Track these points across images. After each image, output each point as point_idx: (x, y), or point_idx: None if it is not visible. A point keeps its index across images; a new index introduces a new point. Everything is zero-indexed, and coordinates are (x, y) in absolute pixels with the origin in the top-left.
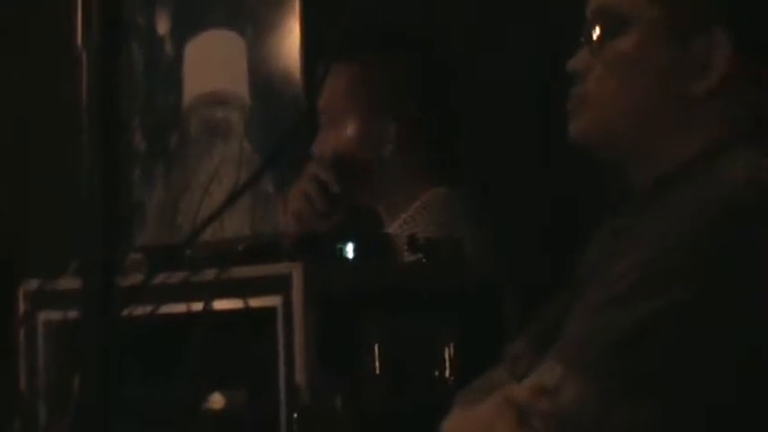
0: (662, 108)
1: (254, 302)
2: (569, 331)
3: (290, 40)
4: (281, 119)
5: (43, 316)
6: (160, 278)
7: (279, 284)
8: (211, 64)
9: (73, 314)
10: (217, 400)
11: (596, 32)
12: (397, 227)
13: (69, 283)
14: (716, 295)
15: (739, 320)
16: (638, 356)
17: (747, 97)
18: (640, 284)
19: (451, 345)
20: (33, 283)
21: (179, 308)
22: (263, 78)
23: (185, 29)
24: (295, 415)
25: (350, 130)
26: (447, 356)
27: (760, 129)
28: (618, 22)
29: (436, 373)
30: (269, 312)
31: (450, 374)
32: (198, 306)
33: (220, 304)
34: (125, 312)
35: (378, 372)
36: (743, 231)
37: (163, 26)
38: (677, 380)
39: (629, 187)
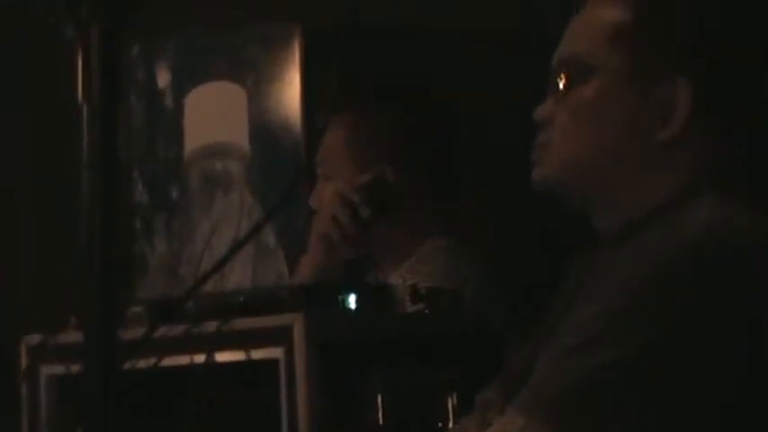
0: (625, 154)
1: (257, 354)
2: (533, 380)
3: (290, 90)
4: (282, 169)
5: (45, 370)
6: (162, 331)
7: (281, 335)
8: (212, 115)
9: (75, 367)
10: None
11: (561, 82)
12: (398, 277)
13: (71, 336)
14: (675, 341)
15: (700, 366)
16: (599, 406)
17: (710, 145)
18: (602, 333)
19: (454, 394)
20: (35, 338)
21: (181, 360)
22: (263, 129)
23: (185, 81)
24: None
25: (347, 182)
26: (450, 406)
27: (722, 176)
28: (582, 71)
29: (439, 424)
30: (271, 363)
31: (454, 424)
32: (200, 358)
33: (222, 356)
34: (127, 365)
35: (381, 422)
36: (702, 277)
37: (163, 78)
38: (637, 428)
39: (594, 231)
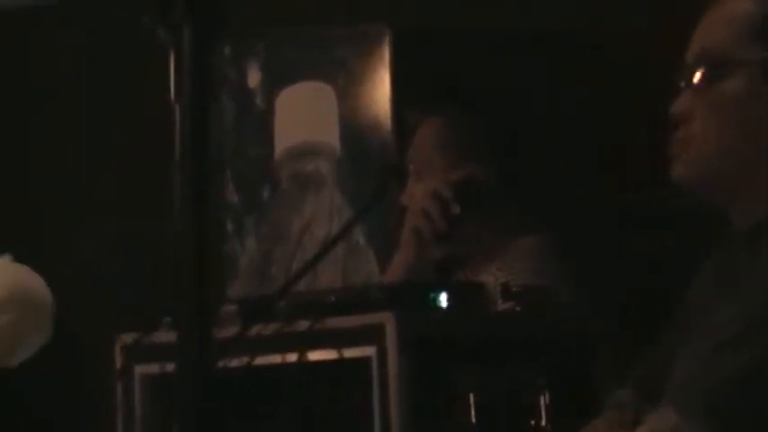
0: (766, 151)
1: (348, 353)
2: (681, 378)
3: (380, 89)
4: (372, 168)
5: (139, 369)
6: (254, 330)
7: (372, 334)
8: (302, 115)
9: (169, 367)
10: None
11: (699, 75)
12: (489, 274)
13: (165, 336)
14: None
15: None
16: (751, 402)
17: None
18: (747, 332)
19: (546, 393)
20: (129, 337)
21: (273, 359)
22: (353, 128)
23: (276, 81)
24: None
25: (439, 179)
26: (542, 405)
27: None
28: (722, 65)
29: (532, 423)
30: (363, 362)
31: (546, 423)
32: (292, 357)
33: (314, 355)
34: (220, 364)
35: (473, 421)
36: None
37: (254, 79)
38: None
39: (728, 227)
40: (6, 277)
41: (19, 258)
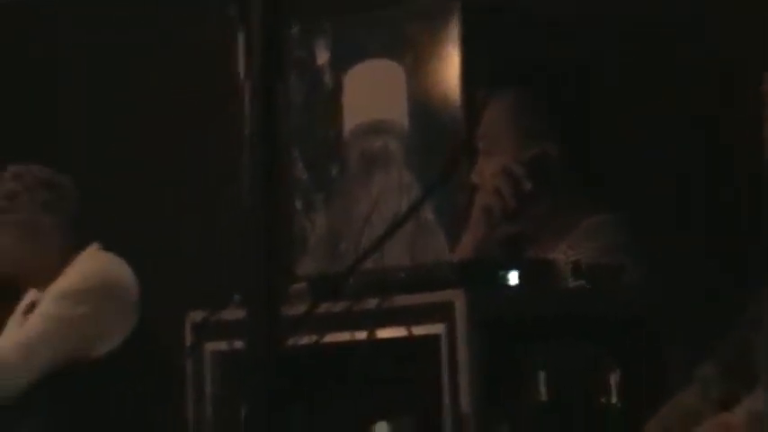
0: None
1: (418, 330)
2: None
3: (449, 67)
4: (441, 145)
5: (210, 346)
6: (323, 307)
7: (442, 312)
8: (370, 93)
9: (238, 344)
10: (382, 429)
11: None
12: (559, 252)
13: (234, 313)
14: None
15: None
16: None
17: None
18: None
19: (617, 370)
20: (199, 315)
21: (342, 337)
22: (422, 106)
23: (344, 59)
24: None
25: (509, 157)
26: (612, 382)
27: None
28: None
29: (602, 400)
30: (432, 340)
31: (617, 401)
32: (361, 335)
33: (383, 333)
34: (289, 342)
35: (543, 398)
36: None
37: (322, 56)
38: None
39: None
40: (94, 267)
41: (105, 246)
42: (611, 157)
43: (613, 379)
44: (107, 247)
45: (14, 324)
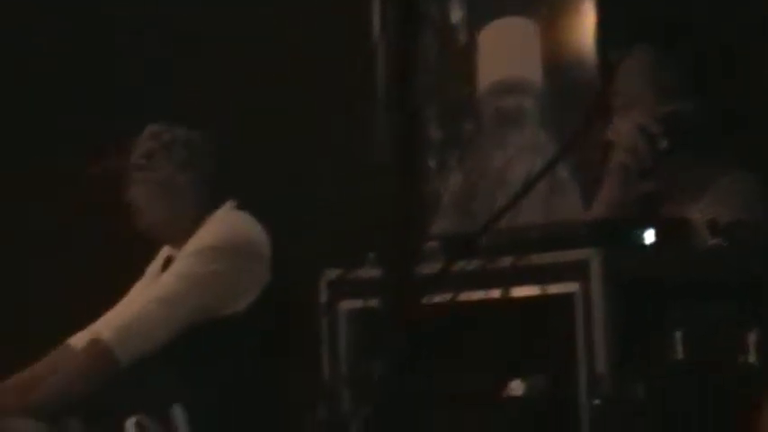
0: None
1: (552, 289)
2: None
3: (584, 24)
4: (576, 103)
5: (345, 304)
6: (457, 266)
7: (577, 271)
8: (505, 51)
9: (373, 302)
10: (516, 387)
11: None
12: (696, 211)
13: (369, 272)
14: None
15: None
16: None
17: None
18: None
19: (755, 329)
20: (334, 273)
21: (476, 295)
22: (556, 63)
23: (478, 17)
24: (596, 402)
25: (645, 114)
26: (750, 341)
27: None
28: None
29: (740, 359)
30: (567, 299)
31: (756, 359)
32: (495, 293)
33: (518, 291)
34: (424, 300)
35: (680, 357)
36: None
37: (456, 15)
38: None
39: None
40: (227, 225)
41: (239, 205)
42: (747, 114)
43: (751, 338)
44: (241, 205)
45: (150, 280)
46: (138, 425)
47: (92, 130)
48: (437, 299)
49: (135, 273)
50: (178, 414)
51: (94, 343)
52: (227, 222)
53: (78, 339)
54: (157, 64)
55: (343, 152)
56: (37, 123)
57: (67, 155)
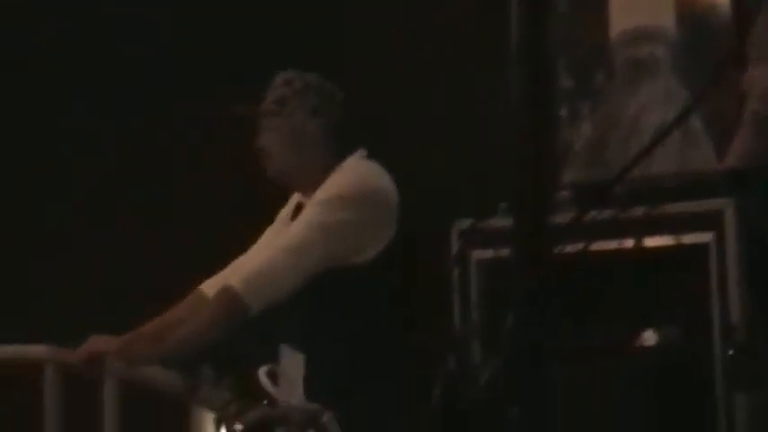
0: None
1: (686, 239)
2: None
3: None
4: (710, 53)
5: (476, 254)
6: (589, 216)
7: (711, 221)
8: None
9: (504, 252)
10: (649, 337)
11: None
12: None
13: (501, 221)
14: None
15: None
16: None
17: None
18: None
19: None
20: (466, 222)
21: (609, 245)
22: (690, 12)
23: None
24: (730, 353)
25: None
26: None
27: None
28: None
29: None
30: (700, 249)
31: None
32: (628, 243)
33: (651, 241)
34: (555, 250)
35: None
36: None
37: None
38: None
39: None
40: (356, 174)
41: (369, 154)
42: None
43: None
44: (371, 154)
45: (281, 226)
46: (270, 373)
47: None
48: (569, 249)
49: (267, 217)
50: (291, 357)
51: (225, 290)
52: (356, 171)
53: (209, 286)
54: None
55: (475, 101)
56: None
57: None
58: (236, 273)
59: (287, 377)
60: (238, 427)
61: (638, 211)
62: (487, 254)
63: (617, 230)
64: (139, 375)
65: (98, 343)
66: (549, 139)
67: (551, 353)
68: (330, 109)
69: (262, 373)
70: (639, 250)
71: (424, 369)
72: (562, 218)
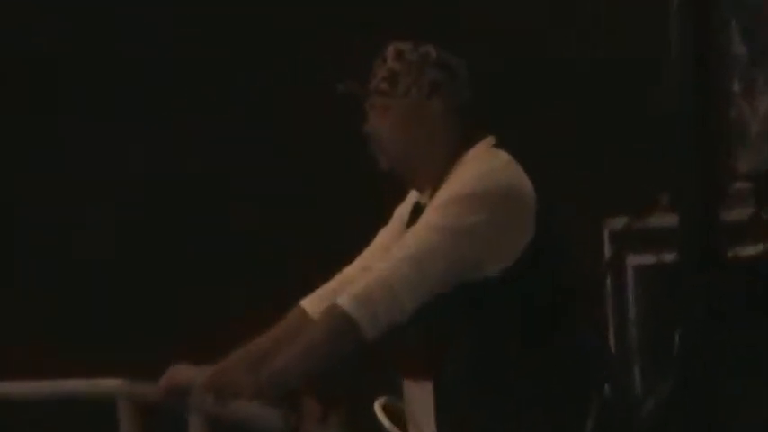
0: None
1: None
2: None
3: None
4: None
5: (632, 259)
6: None
7: None
8: None
9: (667, 257)
10: None
11: None
12: None
13: (661, 219)
14: None
15: None
16: None
17: None
18: None
19: None
20: (619, 222)
21: None
22: None
23: None
24: None
25: None
26: None
27: None
28: None
29: None
30: None
31: None
32: None
33: None
34: (731, 253)
35: None
36: None
37: None
38: None
39: None
40: (488, 168)
41: (498, 142)
42: None
43: None
44: (501, 143)
45: (397, 226)
46: (386, 408)
47: None
48: (748, 250)
49: (380, 217)
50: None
51: (332, 310)
52: (486, 164)
53: (311, 303)
54: None
55: (632, 74)
56: None
57: None
58: (344, 287)
59: (412, 410)
60: None
61: None
62: (646, 258)
63: None
64: (230, 410)
65: (180, 374)
66: (720, 118)
67: (729, 375)
68: (453, 87)
69: (378, 406)
70: None
71: (576, 400)
72: (739, 213)
